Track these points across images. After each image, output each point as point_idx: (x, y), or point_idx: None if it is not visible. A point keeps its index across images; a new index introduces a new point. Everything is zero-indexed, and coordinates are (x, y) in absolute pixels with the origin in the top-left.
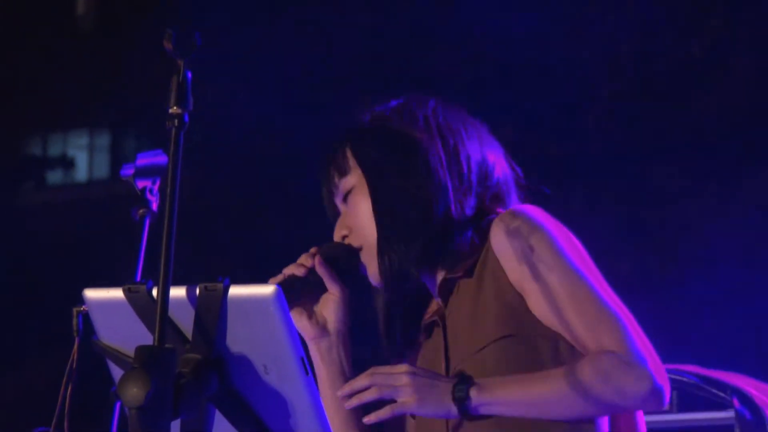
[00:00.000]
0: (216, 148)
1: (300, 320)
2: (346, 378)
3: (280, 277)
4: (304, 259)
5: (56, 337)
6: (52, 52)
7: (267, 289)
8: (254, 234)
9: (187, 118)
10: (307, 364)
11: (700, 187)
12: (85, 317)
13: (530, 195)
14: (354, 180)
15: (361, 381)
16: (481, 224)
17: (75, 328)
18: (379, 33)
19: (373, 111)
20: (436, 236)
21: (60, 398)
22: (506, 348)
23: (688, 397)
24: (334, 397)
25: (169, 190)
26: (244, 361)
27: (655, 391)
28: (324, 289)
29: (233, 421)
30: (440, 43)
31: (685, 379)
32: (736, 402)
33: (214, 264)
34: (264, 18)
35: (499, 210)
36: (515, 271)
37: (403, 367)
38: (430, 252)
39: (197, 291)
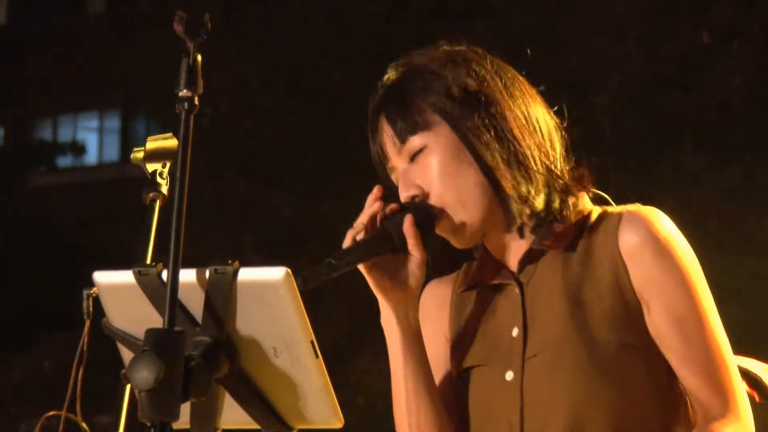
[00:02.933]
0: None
1: (380, 280)
2: (420, 341)
3: (359, 228)
4: (377, 208)
5: (66, 321)
6: (62, 36)
7: (277, 272)
8: (263, 215)
9: (197, 101)
10: (317, 348)
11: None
12: (96, 300)
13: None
14: (430, 138)
15: None
16: (568, 198)
17: (85, 310)
18: None
19: (432, 61)
20: (538, 199)
21: (71, 381)
22: (627, 359)
23: None
24: (410, 363)
25: (179, 173)
26: (254, 344)
27: None
28: (404, 249)
29: (243, 404)
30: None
31: None
32: (745, 385)
33: (225, 246)
34: None
35: (585, 186)
36: (643, 279)
37: None
38: (536, 215)
39: (207, 274)
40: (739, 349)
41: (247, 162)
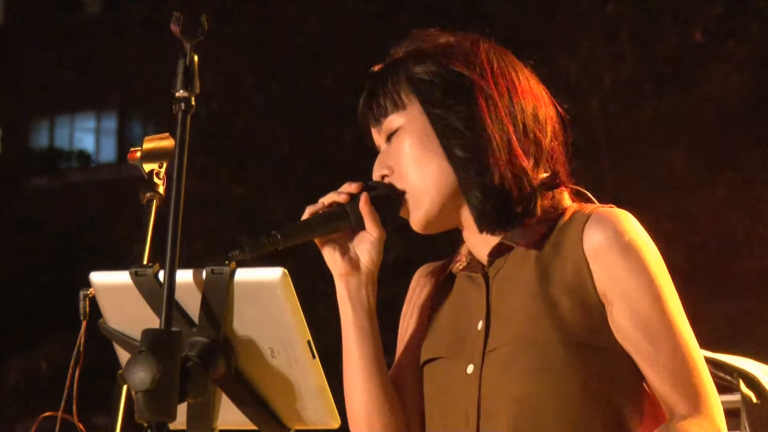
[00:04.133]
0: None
1: (332, 255)
2: (372, 319)
3: (319, 206)
4: (347, 188)
5: (63, 321)
6: (59, 37)
7: (274, 273)
8: (258, 215)
9: (193, 102)
10: (313, 348)
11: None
12: (92, 301)
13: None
14: (404, 119)
15: None
16: (546, 194)
17: (82, 311)
18: None
19: (426, 44)
20: (500, 192)
21: (68, 382)
22: (584, 358)
23: None
24: (358, 338)
25: (175, 173)
26: (251, 345)
27: None
28: (360, 227)
29: (240, 405)
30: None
31: None
32: (742, 385)
33: (221, 248)
34: None
35: (561, 182)
36: (606, 279)
37: None
38: (497, 209)
39: (204, 274)
40: (735, 348)
41: (240, 163)
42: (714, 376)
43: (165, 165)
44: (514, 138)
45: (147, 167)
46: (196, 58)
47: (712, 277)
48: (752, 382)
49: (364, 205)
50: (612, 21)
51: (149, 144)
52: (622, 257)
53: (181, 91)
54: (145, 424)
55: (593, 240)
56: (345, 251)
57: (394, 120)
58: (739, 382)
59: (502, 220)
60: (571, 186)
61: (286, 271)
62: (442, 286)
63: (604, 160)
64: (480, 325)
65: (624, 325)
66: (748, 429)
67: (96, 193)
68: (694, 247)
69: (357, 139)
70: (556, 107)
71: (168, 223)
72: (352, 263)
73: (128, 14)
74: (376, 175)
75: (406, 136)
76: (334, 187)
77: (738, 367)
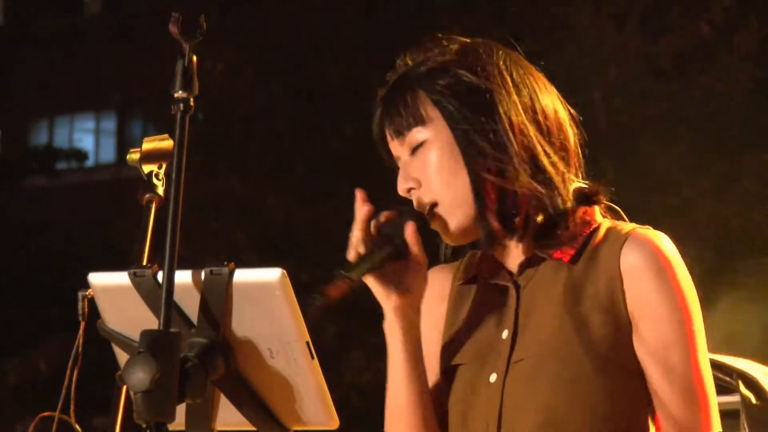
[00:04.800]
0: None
1: (386, 288)
2: (420, 351)
3: (355, 240)
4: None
5: (62, 322)
6: (59, 38)
7: (273, 273)
8: (258, 216)
9: (192, 102)
10: (312, 349)
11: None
12: (91, 301)
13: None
14: (430, 132)
15: None
16: (580, 208)
17: (81, 312)
18: None
19: (439, 53)
20: (524, 207)
21: (66, 383)
22: (608, 375)
23: None
24: (408, 372)
25: (174, 174)
26: (249, 345)
27: None
28: (406, 257)
29: (239, 406)
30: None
31: None
32: (741, 387)
33: (220, 246)
34: None
35: (597, 200)
36: (638, 300)
37: None
38: (518, 224)
39: (203, 275)
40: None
41: (240, 160)
42: (713, 377)
43: (164, 166)
44: (540, 149)
45: (146, 168)
46: (195, 58)
47: (712, 276)
48: (751, 384)
49: (412, 236)
50: (617, 12)
51: (148, 145)
52: (656, 280)
53: (180, 91)
54: (144, 425)
55: (630, 260)
56: (397, 283)
57: (419, 133)
58: (738, 383)
59: (527, 233)
60: (604, 202)
61: (284, 271)
62: (461, 291)
63: (605, 154)
64: (505, 334)
65: (647, 344)
66: (747, 430)
67: (95, 194)
68: (694, 244)
69: (358, 136)
70: (568, 108)
71: (167, 224)
72: (404, 295)
73: (128, 14)
74: (401, 188)
75: (434, 149)
76: (335, 185)
77: (737, 368)
